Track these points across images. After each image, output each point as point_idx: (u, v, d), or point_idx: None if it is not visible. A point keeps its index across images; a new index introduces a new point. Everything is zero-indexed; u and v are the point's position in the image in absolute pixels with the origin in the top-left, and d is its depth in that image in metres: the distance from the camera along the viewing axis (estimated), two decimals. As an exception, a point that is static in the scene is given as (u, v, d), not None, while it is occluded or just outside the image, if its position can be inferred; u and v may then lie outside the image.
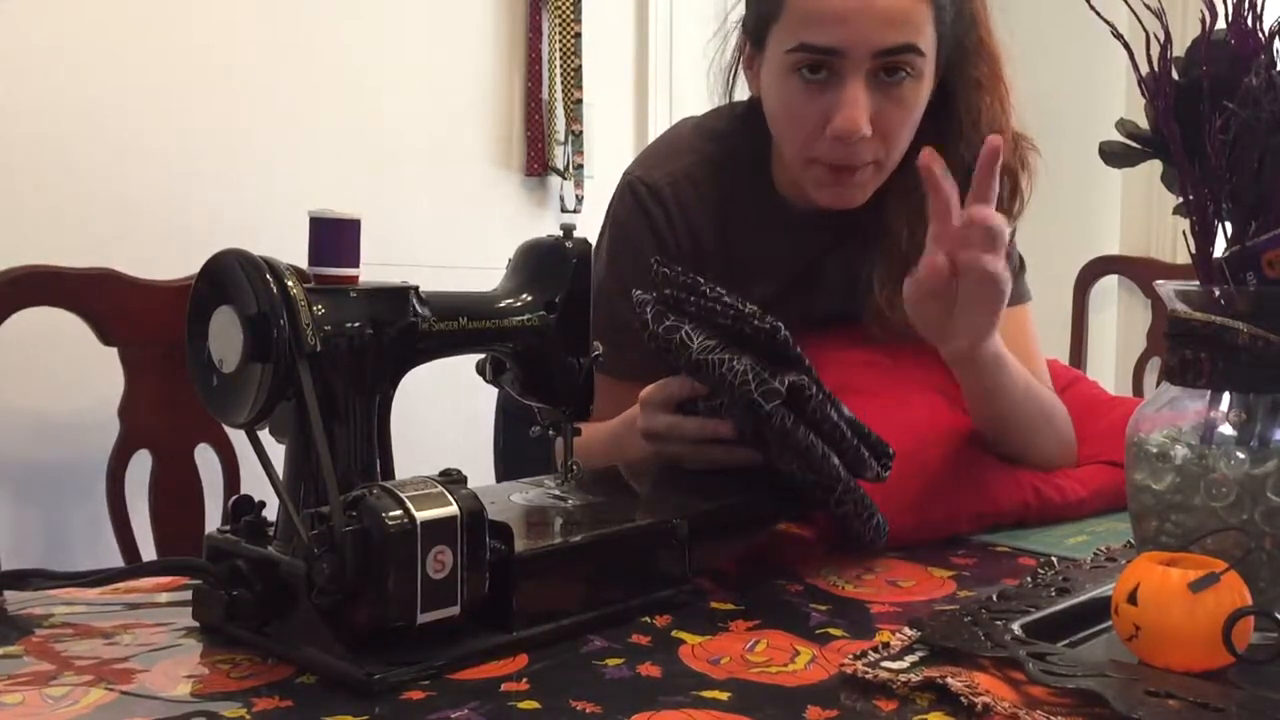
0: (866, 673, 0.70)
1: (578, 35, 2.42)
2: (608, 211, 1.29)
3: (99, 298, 1.38)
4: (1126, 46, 0.80)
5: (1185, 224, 0.80)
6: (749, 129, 1.24)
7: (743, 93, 1.29)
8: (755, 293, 1.19)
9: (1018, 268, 1.31)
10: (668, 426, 1.01)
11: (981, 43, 1.20)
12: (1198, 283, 0.78)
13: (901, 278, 1.13)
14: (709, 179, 1.24)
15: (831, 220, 1.23)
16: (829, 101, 1.10)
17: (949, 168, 1.08)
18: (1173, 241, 2.85)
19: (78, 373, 1.57)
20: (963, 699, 0.66)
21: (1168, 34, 0.78)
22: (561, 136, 2.42)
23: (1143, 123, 0.83)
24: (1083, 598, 0.81)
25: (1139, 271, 2.50)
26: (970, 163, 1.12)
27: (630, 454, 1.09)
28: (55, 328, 1.40)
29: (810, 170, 1.15)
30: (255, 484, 0.83)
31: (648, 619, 0.82)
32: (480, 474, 0.86)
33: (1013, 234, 1.29)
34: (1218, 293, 0.76)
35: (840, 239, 1.25)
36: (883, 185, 1.18)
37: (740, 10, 1.23)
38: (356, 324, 0.77)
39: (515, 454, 1.46)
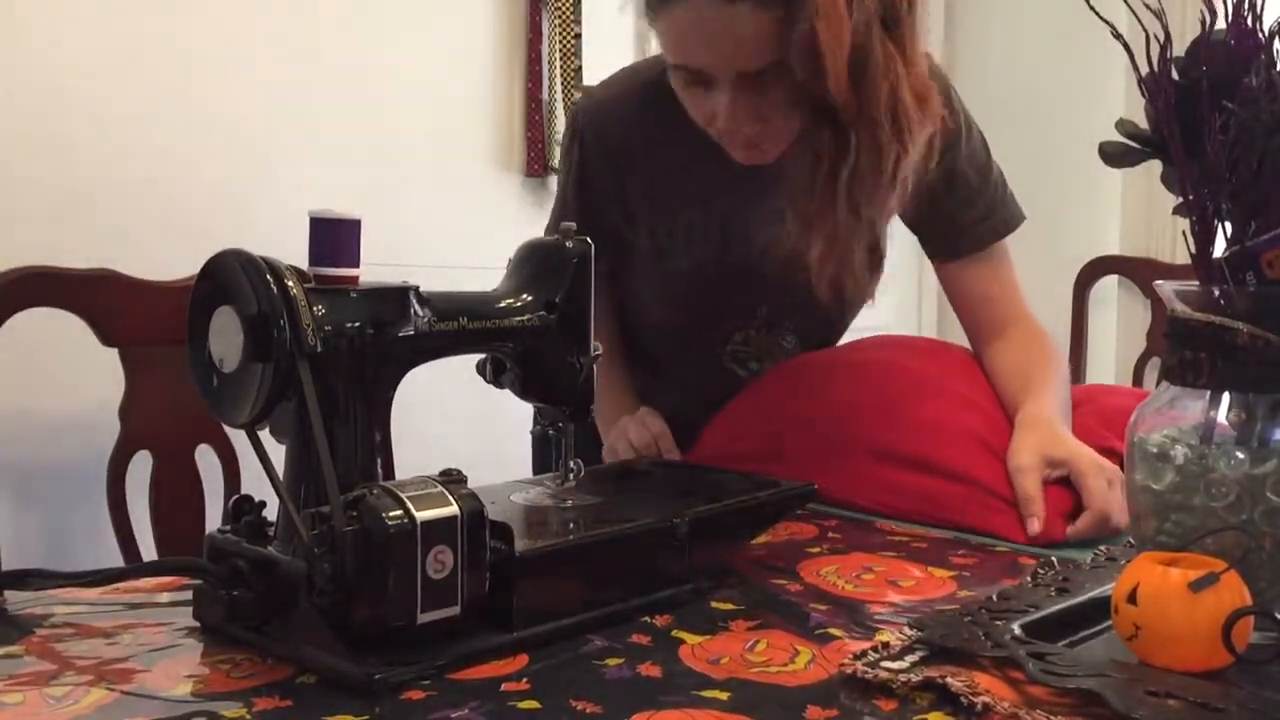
0: (866, 673, 0.70)
1: (578, 36, 2.42)
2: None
3: (99, 298, 1.38)
4: (1126, 46, 0.80)
5: (1185, 224, 0.80)
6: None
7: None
8: (692, 215, 1.31)
9: (1000, 183, 1.34)
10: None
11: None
12: (1198, 283, 0.78)
13: (820, 230, 1.21)
14: (640, 102, 1.31)
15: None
16: (712, 101, 1.16)
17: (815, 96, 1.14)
18: (1173, 241, 2.85)
19: (78, 373, 1.57)
20: (963, 699, 0.66)
21: (1168, 34, 0.78)
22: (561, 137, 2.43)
23: (1143, 123, 0.83)
24: (1083, 598, 0.81)
25: (1139, 271, 2.50)
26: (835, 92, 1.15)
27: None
28: (55, 328, 1.40)
29: (720, 139, 1.21)
30: (255, 484, 0.83)
31: (648, 619, 0.82)
32: (480, 474, 0.86)
33: (985, 146, 1.34)
34: (1218, 293, 0.76)
35: (773, 178, 1.27)
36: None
37: None
38: (356, 324, 0.77)
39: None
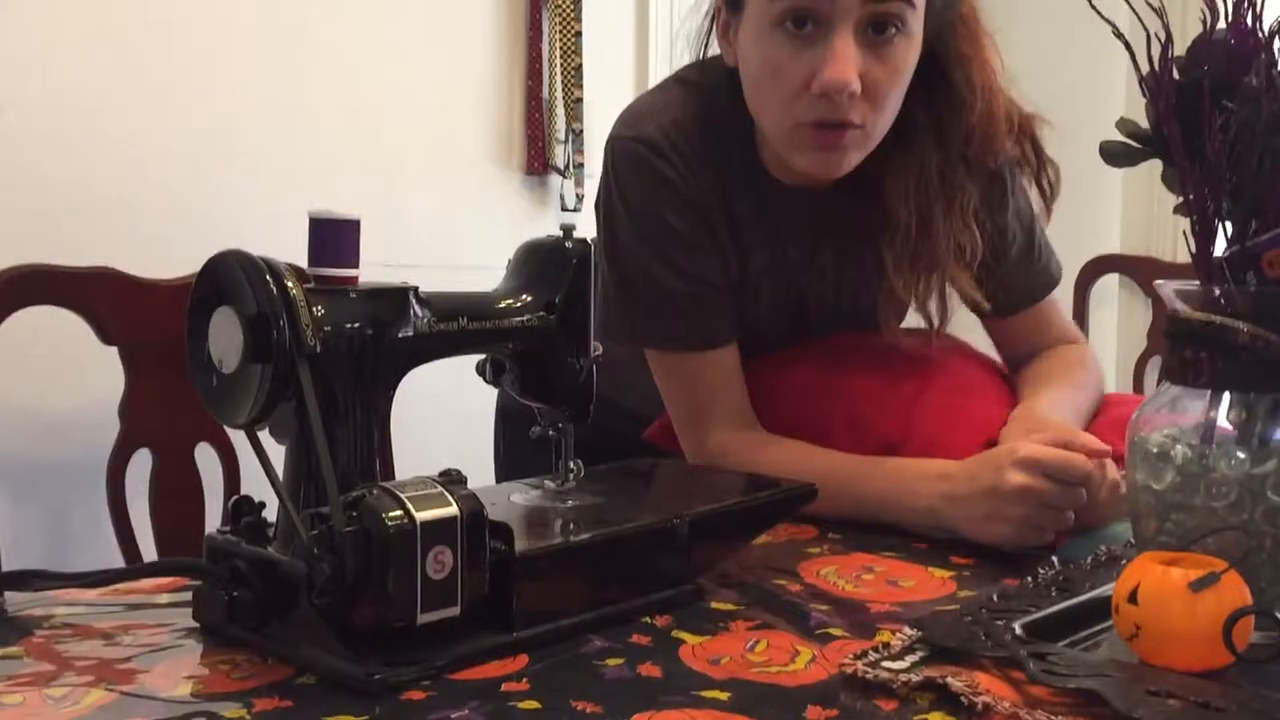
0: (866, 673, 0.70)
1: (578, 34, 2.42)
2: (610, 184, 1.20)
3: (99, 298, 1.38)
4: (1127, 46, 0.80)
5: (1185, 224, 0.80)
6: (729, 87, 1.18)
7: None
8: (754, 259, 1.21)
9: (1043, 235, 1.34)
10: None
11: (963, 15, 1.17)
12: (1198, 283, 0.78)
13: (915, 263, 1.16)
14: (698, 131, 1.17)
15: (824, 202, 1.20)
16: (815, 57, 1.04)
17: (952, 136, 1.14)
18: (1173, 241, 2.85)
19: (78, 372, 1.57)
20: (963, 699, 0.66)
21: (1168, 33, 0.78)
22: (562, 135, 2.42)
23: (1143, 122, 0.83)
24: (1083, 598, 0.81)
25: (1139, 271, 2.49)
26: (972, 130, 1.16)
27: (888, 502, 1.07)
28: (55, 327, 1.40)
29: (794, 135, 1.09)
30: (255, 484, 0.83)
31: (648, 619, 0.82)
32: (480, 475, 0.86)
33: (1027, 197, 1.34)
34: (1218, 293, 0.76)
35: (836, 224, 1.22)
36: (879, 168, 1.15)
37: None
38: (356, 324, 0.77)
39: (516, 460, 1.45)
